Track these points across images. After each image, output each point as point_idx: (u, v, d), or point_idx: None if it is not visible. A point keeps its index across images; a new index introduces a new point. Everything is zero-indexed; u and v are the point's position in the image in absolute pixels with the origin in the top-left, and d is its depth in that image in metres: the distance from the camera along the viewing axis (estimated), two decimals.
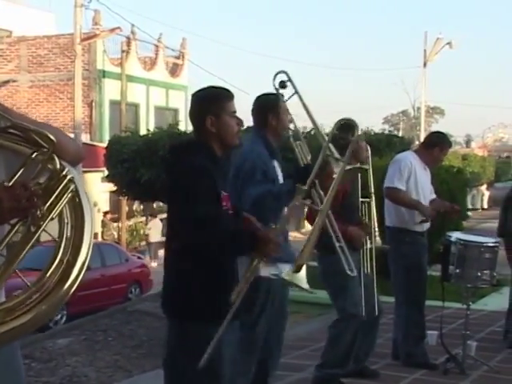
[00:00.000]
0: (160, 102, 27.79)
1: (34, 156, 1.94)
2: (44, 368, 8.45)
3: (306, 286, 3.44)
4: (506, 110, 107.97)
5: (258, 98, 4.34)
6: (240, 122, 3.34)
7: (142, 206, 25.54)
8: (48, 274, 1.93)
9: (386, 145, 13.26)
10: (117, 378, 7.76)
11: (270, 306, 4.25)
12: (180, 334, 3.19)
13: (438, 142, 5.90)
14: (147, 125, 24.18)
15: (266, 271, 3.61)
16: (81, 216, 2.00)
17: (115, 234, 23.76)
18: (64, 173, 1.95)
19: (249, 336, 4.12)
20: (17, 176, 1.91)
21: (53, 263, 1.93)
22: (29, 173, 1.93)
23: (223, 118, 3.23)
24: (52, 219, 1.93)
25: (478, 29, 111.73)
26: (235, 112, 3.31)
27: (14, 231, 1.92)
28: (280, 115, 4.18)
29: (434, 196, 5.93)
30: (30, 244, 1.92)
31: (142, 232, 25.30)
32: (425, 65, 34.74)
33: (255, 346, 4.27)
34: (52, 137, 1.93)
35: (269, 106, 4.19)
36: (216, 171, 3.18)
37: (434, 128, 50.57)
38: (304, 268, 3.40)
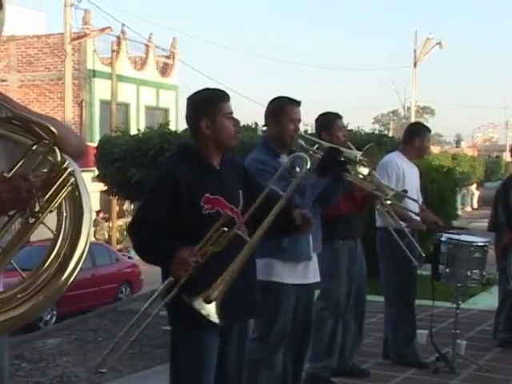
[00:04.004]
0: (150, 101, 27.73)
1: (34, 148, 1.93)
2: (34, 368, 8.42)
3: (216, 320, 3.01)
4: (496, 109, 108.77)
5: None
6: (236, 123, 3.35)
7: (132, 206, 25.48)
8: (45, 267, 1.92)
9: (377, 145, 13.24)
10: (107, 377, 7.71)
11: (287, 316, 4.06)
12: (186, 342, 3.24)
13: (416, 132, 5.85)
14: (137, 124, 24.13)
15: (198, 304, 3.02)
16: (79, 209, 1.99)
17: (106, 233, 23.70)
18: (64, 165, 1.93)
19: (259, 348, 3.97)
20: (17, 167, 1.90)
21: (50, 255, 1.93)
22: (29, 164, 1.92)
23: (218, 120, 3.20)
24: (51, 212, 1.92)
25: (467, 29, 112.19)
26: (231, 113, 3.27)
27: (11, 222, 1.91)
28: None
29: (421, 199, 5.87)
30: (28, 235, 1.91)
31: None
32: (415, 65, 34.87)
33: (266, 361, 4.04)
34: (53, 129, 1.92)
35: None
36: (200, 175, 3.15)
37: None
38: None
